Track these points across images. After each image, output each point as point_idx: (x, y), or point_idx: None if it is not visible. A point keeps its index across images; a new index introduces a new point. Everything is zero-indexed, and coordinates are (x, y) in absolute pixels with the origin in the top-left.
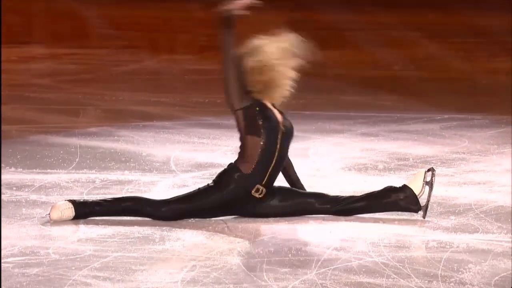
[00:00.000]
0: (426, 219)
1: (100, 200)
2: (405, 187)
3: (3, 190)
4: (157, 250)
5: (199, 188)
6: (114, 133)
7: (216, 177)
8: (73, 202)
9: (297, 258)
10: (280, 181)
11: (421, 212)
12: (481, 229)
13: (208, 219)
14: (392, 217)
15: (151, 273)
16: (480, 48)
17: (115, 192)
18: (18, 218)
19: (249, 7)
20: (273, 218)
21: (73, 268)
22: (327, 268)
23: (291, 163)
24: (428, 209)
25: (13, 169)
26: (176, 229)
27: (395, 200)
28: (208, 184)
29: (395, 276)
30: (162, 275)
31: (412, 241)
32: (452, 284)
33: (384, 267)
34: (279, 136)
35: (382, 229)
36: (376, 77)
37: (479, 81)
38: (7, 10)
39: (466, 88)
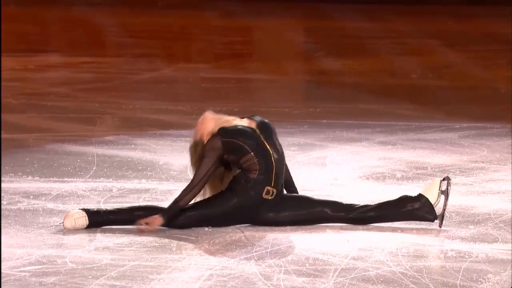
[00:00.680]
0: (444, 228)
1: (113, 209)
2: (420, 196)
3: (20, 199)
4: (174, 259)
5: (213, 195)
6: (131, 142)
7: (228, 185)
8: (86, 211)
9: (315, 268)
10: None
11: (437, 221)
12: (500, 239)
13: (224, 228)
14: (410, 226)
15: (168, 282)
16: (500, 56)
17: (132, 201)
18: (35, 226)
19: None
20: (290, 227)
21: (90, 277)
22: (344, 278)
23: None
24: (445, 218)
25: (30, 177)
26: (193, 238)
27: (411, 210)
28: (222, 191)
29: (413, 286)
30: (179, 284)
31: (430, 250)
32: None
33: (402, 277)
34: (262, 137)
35: (400, 238)
36: (395, 85)
37: (499, 89)
38: (24, 19)
39: (485, 97)
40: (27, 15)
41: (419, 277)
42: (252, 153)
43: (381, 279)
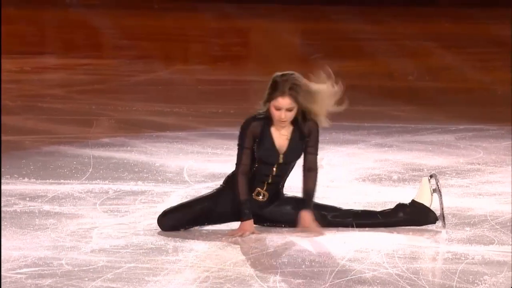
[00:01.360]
0: (440, 230)
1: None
2: (414, 202)
3: (16, 201)
4: (170, 261)
5: (208, 193)
6: (127, 144)
7: (225, 181)
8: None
9: (311, 269)
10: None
11: (440, 222)
12: (496, 241)
13: (220, 230)
14: (406, 228)
15: (164, 284)
16: (497, 58)
17: (128, 203)
18: (31, 228)
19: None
20: (287, 229)
21: (86, 279)
22: (341, 280)
23: (313, 176)
24: (446, 217)
25: (26, 179)
26: (189, 240)
27: (404, 217)
28: (219, 187)
29: (409, 287)
30: (176, 286)
31: (426, 252)
32: None
33: (399, 279)
34: (275, 162)
35: (396, 240)
36: (392, 87)
37: (495, 91)
38: (21, 20)
39: (481, 99)
40: (24, 16)
41: (416, 279)
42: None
43: (378, 281)
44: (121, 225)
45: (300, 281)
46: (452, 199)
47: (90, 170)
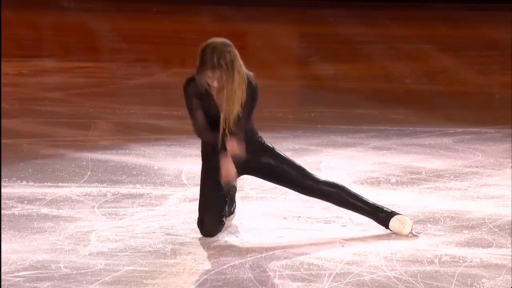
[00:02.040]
0: (438, 233)
1: None
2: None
3: (14, 204)
4: (168, 264)
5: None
6: (125, 147)
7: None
8: None
9: (309, 272)
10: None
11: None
12: (494, 244)
13: (221, 233)
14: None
15: (162, 287)
16: (494, 62)
17: (127, 206)
18: (29, 232)
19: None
20: (284, 231)
21: (84, 282)
22: (339, 283)
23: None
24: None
25: (24, 182)
26: (188, 243)
27: (372, 211)
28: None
29: None
30: None
31: (425, 255)
32: None
33: (397, 282)
34: (219, 117)
35: (394, 243)
36: (389, 90)
37: (493, 95)
38: (18, 23)
39: (479, 102)
40: (21, 19)
41: (414, 281)
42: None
43: (376, 284)
44: (119, 228)
45: (299, 284)
46: (450, 202)
47: (88, 173)
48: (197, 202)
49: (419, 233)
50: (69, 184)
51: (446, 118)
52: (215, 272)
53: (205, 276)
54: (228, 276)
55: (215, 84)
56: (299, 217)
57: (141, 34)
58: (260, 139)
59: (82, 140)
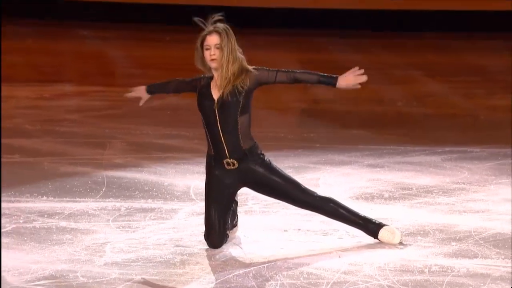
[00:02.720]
0: (428, 244)
1: None
2: (383, 225)
3: (35, 218)
4: (177, 273)
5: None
6: (138, 165)
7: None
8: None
9: (308, 281)
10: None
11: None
12: (480, 255)
13: (226, 245)
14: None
15: None
16: (478, 86)
17: (139, 219)
18: (49, 243)
19: None
20: (285, 243)
21: None
22: None
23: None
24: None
25: (44, 197)
26: (195, 253)
27: (361, 223)
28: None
29: None
30: None
31: (415, 265)
32: None
33: None
34: (215, 109)
35: (387, 254)
36: (382, 112)
37: (478, 117)
38: (40, 52)
39: (465, 123)
40: (43, 48)
41: None
42: (205, 128)
43: None
44: (132, 240)
45: None
46: (439, 216)
47: (103, 189)
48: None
49: (410, 245)
50: (86, 199)
51: (434, 138)
52: (221, 281)
53: (212, 284)
54: (233, 285)
55: (212, 52)
56: (299, 229)
57: (153, 60)
58: (261, 154)
59: (98, 158)
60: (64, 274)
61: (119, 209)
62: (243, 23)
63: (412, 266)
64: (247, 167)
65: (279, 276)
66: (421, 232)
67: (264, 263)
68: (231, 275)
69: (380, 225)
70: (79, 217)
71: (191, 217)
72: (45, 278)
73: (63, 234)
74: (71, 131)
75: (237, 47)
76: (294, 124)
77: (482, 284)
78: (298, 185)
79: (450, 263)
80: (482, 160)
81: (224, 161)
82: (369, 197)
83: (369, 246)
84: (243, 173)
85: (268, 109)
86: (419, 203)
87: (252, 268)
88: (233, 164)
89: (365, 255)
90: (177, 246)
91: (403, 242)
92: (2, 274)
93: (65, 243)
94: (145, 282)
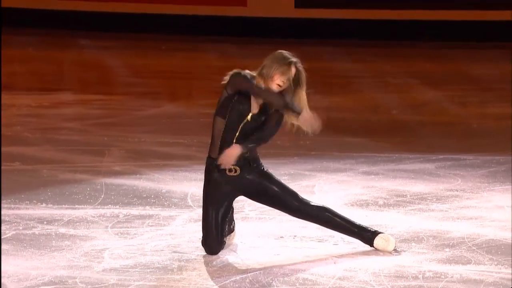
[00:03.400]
0: (422, 251)
1: None
2: (378, 233)
3: (35, 224)
4: (175, 279)
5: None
6: (136, 172)
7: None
8: None
9: (304, 287)
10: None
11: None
12: (473, 261)
13: (223, 251)
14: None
15: None
16: (472, 95)
17: (137, 226)
18: (49, 250)
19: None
20: (281, 249)
21: None
22: None
23: (268, 128)
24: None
25: (44, 204)
26: (193, 260)
27: (358, 232)
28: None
29: None
30: None
31: (409, 271)
32: None
33: None
34: (243, 120)
35: (382, 259)
36: (377, 120)
37: (471, 125)
38: (40, 60)
39: (459, 131)
40: (43, 57)
41: None
42: (224, 122)
43: None
44: (130, 246)
45: None
46: (432, 223)
47: (102, 196)
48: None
49: (404, 251)
50: (85, 206)
51: (429, 146)
52: (218, 286)
53: None
54: None
55: (281, 82)
56: (295, 236)
57: (151, 69)
58: (260, 164)
59: (97, 166)
60: (63, 280)
61: (118, 216)
62: (239, 32)
63: (406, 272)
64: (247, 175)
65: (275, 282)
66: (415, 239)
67: (260, 269)
68: (228, 281)
69: (375, 233)
70: (78, 223)
71: (189, 223)
72: (45, 284)
73: (62, 241)
74: (71, 139)
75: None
76: (289, 131)
77: None
78: (295, 195)
79: (443, 269)
80: (475, 168)
81: (227, 167)
82: (364, 204)
83: (364, 252)
84: (242, 181)
85: None
86: (413, 210)
87: (249, 274)
88: (235, 171)
89: (360, 261)
90: (174, 252)
91: (397, 249)
92: (2, 280)
93: (64, 249)
94: None
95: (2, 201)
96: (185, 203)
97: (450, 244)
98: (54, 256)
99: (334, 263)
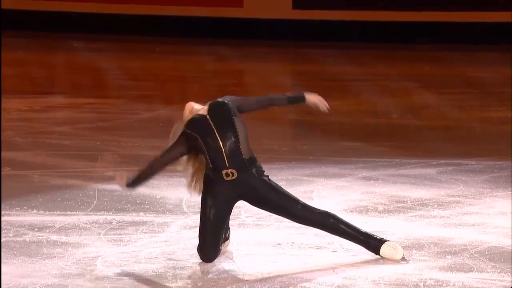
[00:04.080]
0: (423, 258)
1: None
2: (384, 241)
3: (25, 231)
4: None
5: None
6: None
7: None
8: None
9: None
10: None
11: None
12: (475, 269)
13: (219, 258)
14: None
15: None
16: (473, 98)
17: (131, 233)
18: (40, 257)
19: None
20: (278, 256)
21: None
22: None
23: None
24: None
25: (35, 211)
26: (188, 267)
27: (365, 240)
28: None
29: None
30: None
31: (410, 279)
32: None
33: None
34: (215, 130)
35: (382, 267)
36: (376, 124)
37: (473, 129)
38: (31, 63)
39: (460, 136)
40: (34, 59)
41: None
42: (206, 152)
43: None
44: (123, 253)
45: None
46: (434, 229)
47: (95, 202)
48: (197, 229)
49: (405, 258)
50: (77, 212)
51: (429, 151)
52: None
53: None
54: None
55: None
56: (293, 243)
57: (145, 72)
58: (260, 168)
59: (90, 171)
60: None
61: (111, 223)
62: (235, 34)
63: (407, 280)
64: (246, 179)
65: None
66: (416, 246)
67: (257, 277)
68: None
69: (381, 241)
70: (70, 230)
71: (184, 230)
72: None
73: (54, 248)
74: (62, 143)
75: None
76: (287, 136)
77: None
78: (297, 201)
79: (445, 277)
80: (477, 173)
81: (223, 172)
82: (364, 210)
83: (364, 260)
84: (241, 186)
85: (261, 120)
86: (414, 216)
87: (246, 282)
88: (232, 175)
89: (360, 269)
90: (169, 260)
91: (405, 258)
92: None
93: (55, 257)
94: None
95: None
96: (180, 209)
97: (452, 251)
98: (46, 264)
99: (333, 271)
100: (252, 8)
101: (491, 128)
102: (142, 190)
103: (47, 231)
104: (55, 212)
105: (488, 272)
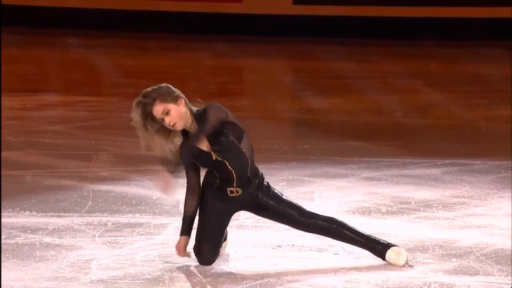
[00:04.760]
0: (427, 261)
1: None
2: (390, 246)
3: (17, 233)
4: None
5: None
6: (126, 178)
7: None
8: None
9: None
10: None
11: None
12: (481, 272)
13: (217, 261)
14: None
15: None
16: (479, 96)
17: (127, 235)
18: (32, 260)
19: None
20: (278, 259)
21: None
22: None
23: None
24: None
25: (27, 212)
26: (185, 270)
27: (369, 244)
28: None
29: None
30: None
31: (414, 283)
32: None
33: None
34: (221, 159)
35: (385, 270)
36: (379, 123)
37: (479, 128)
38: (24, 60)
39: (466, 135)
40: (27, 56)
41: None
42: (216, 173)
43: None
44: (119, 256)
45: None
46: (438, 231)
47: (89, 203)
48: (195, 231)
49: (408, 261)
50: (71, 214)
51: (434, 150)
52: None
53: None
54: None
55: (166, 121)
56: (293, 245)
57: (141, 69)
58: (261, 176)
59: (84, 171)
60: None
61: (106, 224)
62: (234, 30)
63: (411, 283)
64: (249, 193)
65: None
66: (420, 248)
67: (256, 280)
68: None
69: (387, 246)
70: (63, 232)
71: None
72: None
73: (47, 251)
74: (56, 142)
75: (173, 91)
76: (287, 135)
77: None
78: (299, 208)
79: (450, 280)
80: (483, 173)
81: (228, 190)
82: (366, 212)
83: (366, 263)
84: (244, 199)
85: (261, 119)
86: (418, 217)
87: (245, 286)
88: (237, 192)
89: (362, 272)
90: (166, 262)
91: (409, 263)
92: None
93: (49, 259)
94: None
95: None
96: (177, 211)
97: (457, 254)
98: (38, 267)
99: (335, 274)
100: (252, 3)
101: (498, 127)
102: (138, 191)
103: (40, 233)
104: (48, 213)
105: (495, 276)
